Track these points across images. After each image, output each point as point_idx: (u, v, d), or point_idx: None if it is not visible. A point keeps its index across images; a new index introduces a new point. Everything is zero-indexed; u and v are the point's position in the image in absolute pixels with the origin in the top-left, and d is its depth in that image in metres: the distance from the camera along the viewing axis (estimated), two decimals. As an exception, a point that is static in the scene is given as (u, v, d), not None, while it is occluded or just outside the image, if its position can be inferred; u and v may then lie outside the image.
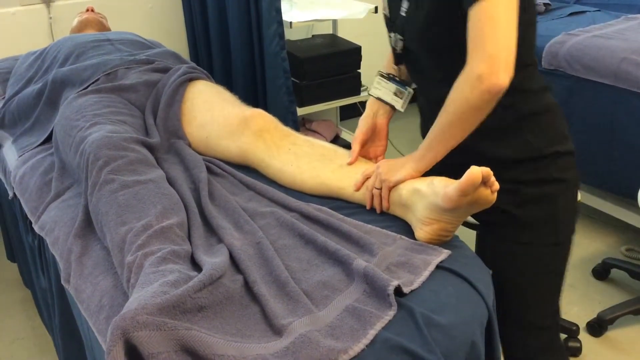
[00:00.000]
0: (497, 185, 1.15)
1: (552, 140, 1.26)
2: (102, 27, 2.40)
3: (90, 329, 1.20)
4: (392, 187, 1.31)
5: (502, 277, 1.31)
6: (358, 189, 1.39)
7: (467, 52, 1.12)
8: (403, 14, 1.26)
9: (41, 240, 1.54)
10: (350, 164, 1.43)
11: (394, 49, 1.34)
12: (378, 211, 1.36)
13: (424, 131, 1.34)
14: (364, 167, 1.40)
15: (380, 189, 1.33)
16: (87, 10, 2.46)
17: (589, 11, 3.03)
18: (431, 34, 1.22)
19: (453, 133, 1.18)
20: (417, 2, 1.23)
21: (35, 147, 1.78)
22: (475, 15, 1.09)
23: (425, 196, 1.23)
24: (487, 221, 1.35)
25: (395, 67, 1.41)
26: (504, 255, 1.33)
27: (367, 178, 1.38)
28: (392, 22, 1.32)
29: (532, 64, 1.25)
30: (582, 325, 2.12)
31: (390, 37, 1.34)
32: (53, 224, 1.46)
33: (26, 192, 1.63)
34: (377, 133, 1.47)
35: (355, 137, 1.45)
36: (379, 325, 1.03)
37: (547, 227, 1.29)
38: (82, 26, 2.37)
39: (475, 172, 1.10)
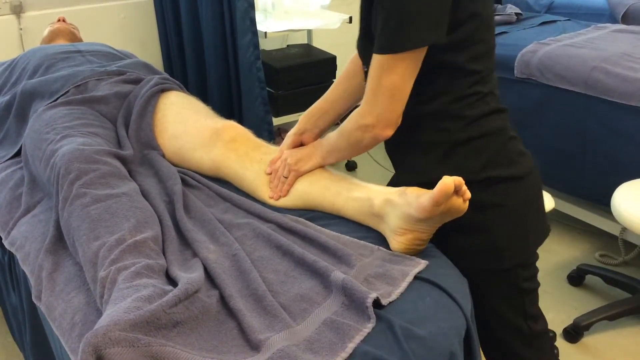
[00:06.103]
0: (468, 194, 1.16)
1: (487, 165, 1.25)
2: (74, 37, 2.36)
3: (63, 347, 1.17)
4: (299, 176, 1.42)
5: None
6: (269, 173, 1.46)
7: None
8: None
9: (11, 256, 1.50)
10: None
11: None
12: (276, 198, 1.44)
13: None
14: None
15: (287, 177, 1.42)
16: (58, 20, 2.42)
17: (560, 21, 3.08)
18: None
19: (350, 153, 1.35)
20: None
21: (4, 161, 1.74)
22: (374, 64, 1.18)
23: (398, 206, 1.23)
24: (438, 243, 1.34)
25: None
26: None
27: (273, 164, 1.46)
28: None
29: (477, 93, 1.24)
30: (558, 331, 2.14)
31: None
32: (23, 239, 1.42)
33: (-5, 207, 1.59)
34: None
35: (280, 150, 1.48)
36: (357, 339, 1.02)
37: (487, 255, 1.29)
38: (52, 36, 2.33)
39: (448, 182, 1.11)
